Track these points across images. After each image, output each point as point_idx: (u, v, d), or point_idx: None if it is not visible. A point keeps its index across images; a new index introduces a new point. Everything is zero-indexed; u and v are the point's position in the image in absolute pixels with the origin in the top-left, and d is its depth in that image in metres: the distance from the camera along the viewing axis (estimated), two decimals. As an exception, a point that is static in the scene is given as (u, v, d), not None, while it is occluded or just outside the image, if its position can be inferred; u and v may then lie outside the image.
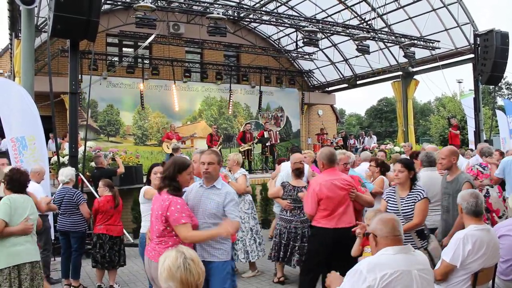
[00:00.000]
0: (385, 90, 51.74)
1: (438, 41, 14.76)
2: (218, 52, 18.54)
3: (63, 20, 7.10)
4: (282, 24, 14.24)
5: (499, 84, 29.42)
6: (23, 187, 4.24)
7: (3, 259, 3.89)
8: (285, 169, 6.62)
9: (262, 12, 13.76)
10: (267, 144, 14.72)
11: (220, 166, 3.73)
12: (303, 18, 14.29)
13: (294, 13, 16.21)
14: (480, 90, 14.63)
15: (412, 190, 4.30)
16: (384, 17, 15.25)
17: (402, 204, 4.26)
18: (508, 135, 13.62)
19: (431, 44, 14.73)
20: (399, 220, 2.85)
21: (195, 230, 3.51)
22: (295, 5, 16.64)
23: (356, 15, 15.74)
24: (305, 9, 16.45)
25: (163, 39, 16.47)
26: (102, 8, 11.11)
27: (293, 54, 19.28)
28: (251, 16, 13.75)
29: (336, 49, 18.17)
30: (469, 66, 14.80)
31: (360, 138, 19.26)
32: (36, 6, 8.79)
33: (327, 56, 18.83)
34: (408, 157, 7.43)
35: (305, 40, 13.10)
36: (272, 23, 14.02)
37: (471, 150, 11.34)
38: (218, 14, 12.03)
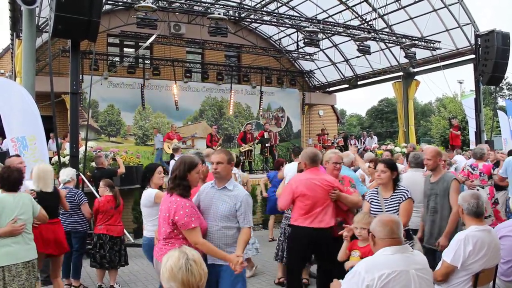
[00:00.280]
0: (386, 90, 51.83)
1: (439, 42, 14.75)
2: (219, 53, 18.54)
3: (64, 20, 7.10)
4: (283, 25, 14.24)
5: (500, 85, 29.42)
6: (14, 186, 4.09)
7: None
8: (291, 170, 6.57)
9: (263, 13, 13.75)
10: (266, 145, 14.72)
11: (231, 166, 3.66)
12: (304, 19, 14.30)
13: (295, 14, 16.22)
14: (481, 91, 14.62)
15: (395, 191, 4.26)
16: (385, 17, 15.25)
17: (386, 205, 4.20)
18: (510, 136, 13.59)
19: (432, 44, 14.72)
20: (399, 222, 2.85)
21: (204, 232, 3.51)
22: (296, 6, 16.65)
23: (357, 15, 15.74)
24: (306, 10, 16.46)
25: (164, 39, 16.48)
26: (103, 8, 11.13)
27: (294, 55, 19.28)
28: (252, 16, 13.75)
29: (337, 49, 18.17)
30: (470, 66, 14.79)
31: (362, 138, 19.26)
32: (37, 6, 8.80)
33: (328, 57, 18.84)
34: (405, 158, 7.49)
35: (306, 40, 13.10)
36: (273, 23, 14.03)
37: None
38: (219, 14, 12.03)
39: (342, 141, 17.12)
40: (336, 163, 4.95)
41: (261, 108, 18.69)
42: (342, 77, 19.49)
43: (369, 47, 14.04)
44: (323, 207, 4.53)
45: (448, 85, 41.06)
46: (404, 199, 4.16)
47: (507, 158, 6.78)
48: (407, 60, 15.72)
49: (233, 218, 3.54)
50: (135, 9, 10.94)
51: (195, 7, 13.16)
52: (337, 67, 19.21)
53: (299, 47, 16.77)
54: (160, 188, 4.76)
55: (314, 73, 20.66)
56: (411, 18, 15.08)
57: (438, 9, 14.10)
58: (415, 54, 14.60)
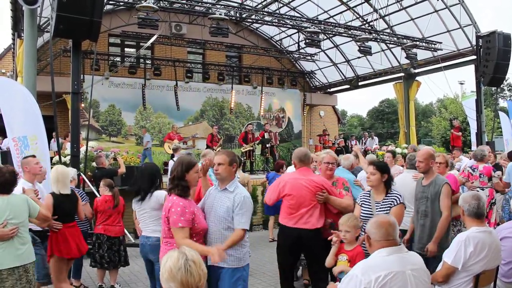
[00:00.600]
0: (387, 91, 51.69)
1: (440, 43, 14.76)
2: (220, 53, 18.55)
3: (66, 20, 7.11)
4: (284, 25, 14.25)
5: (501, 86, 29.39)
6: (5, 188, 3.90)
7: None
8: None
9: (264, 13, 13.76)
10: (267, 145, 14.72)
11: (233, 167, 3.62)
12: (305, 19, 14.30)
13: (296, 14, 16.23)
14: (482, 92, 14.61)
15: (388, 195, 4.12)
16: (386, 18, 15.25)
17: (377, 209, 4.08)
18: (511, 137, 13.60)
19: (433, 45, 14.72)
20: (395, 223, 2.84)
21: (202, 234, 3.52)
22: (297, 6, 16.65)
23: (358, 16, 15.74)
24: (307, 10, 16.47)
25: (165, 40, 16.50)
26: (105, 8, 11.13)
27: (295, 55, 19.29)
28: (253, 17, 13.77)
29: (338, 50, 18.18)
30: (471, 67, 14.80)
31: (363, 139, 19.27)
32: (39, 6, 8.80)
33: (329, 57, 18.84)
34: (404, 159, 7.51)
35: (307, 41, 13.10)
36: (274, 24, 14.04)
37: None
38: (220, 14, 12.04)
39: (343, 142, 17.12)
40: (328, 163, 4.86)
41: (262, 109, 18.69)
42: (343, 77, 19.49)
43: (370, 48, 14.05)
44: (308, 208, 4.46)
45: (449, 86, 41.08)
46: (396, 203, 4.03)
47: (510, 163, 6.77)
48: (408, 61, 15.72)
49: (231, 219, 3.51)
50: (137, 9, 10.95)
51: (196, 8, 13.17)
52: (338, 68, 19.21)
53: (300, 47, 16.77)
54: None
55: (315, 73, 20.66)
56: (412, 19, 15.08)
57: (439, 10, 14.09)
58: (416, 55, 14.60)
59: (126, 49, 17.77)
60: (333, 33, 14.53)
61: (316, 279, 4.56)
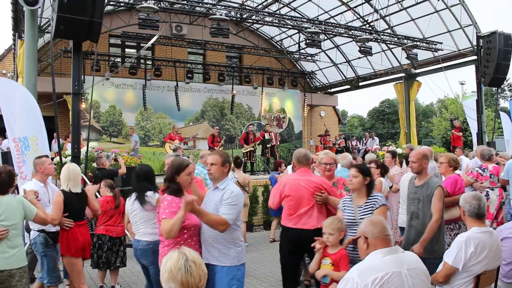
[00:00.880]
0: (388, 91, 51.64)
1: (441, 43, 14.76)
2: (220, 53, 18.56)
3: (66, 21, 7.12)
4: (285, 26, 14.25)
5: (502, 86, 29.35)
6: (0, 188, 3.81)
7: None
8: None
9: (265, 14, 13.76)
10: (268, 146, 14.72)
11: (225, 168, 3.64)
12: (305, 20, 14.31)
13: (297, 15, 16.24)
14: (482, 92, 14.61)
15: (369, 198, 4.02)
16: (387, 18, 15.26)
17: (360, 212, 3.98)
18: (512, 137, 13.58)
19: (433, 45, 14.72)
20: (386, 222, 2.87)
21: (193, 230, 3.56)
22: (297, 7, 16.65)
23: (358, 16, 15.75)
24: (307, 11, 16.47)
25: (166, 40, 16.52)
26: (105, 9, 11.14)
27: (295, 55, 19.29)
28: (253, 17, 13.77)
29: (339, 50, 18.18)
30: (472, 68, 14.80)
31: (363, 139, 19.27)
32: (39, 7, 8.81)
33: (329, 58, 18.84)
34: (404, 159, 7.47)
35: (307, 41, 13.11)
36: (274, 24, 14.03)
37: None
38: (220, 15, 12.05)
39: (343, 142, 17.13)
40: (326, 164, 4.85)
41: (262, 109, 18.69)
42: (344, 78, 19.49)
43: (371, 48, 14.05)
44: (307, 209, 4.47)
45: (450, 86, 41.04)
46: (377, 206, 3.93)
47: (508, 161, 6.77)
48: (408, 61, 15.73)
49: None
50: (137, 10, 10.96)
51: (197, 8, 13.18)
52: (339, 68, 19.21)
53: (300, 48, 16.79)
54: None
55: (316, 74, 20.67)
56: (412, 19, 15.08)
57: (440, 10, 14.09)
58: (416, 55, 14.61)
59: (127, 50, 17.78)
60: (334, 33, 14.53)
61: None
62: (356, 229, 3.78)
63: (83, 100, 13.65)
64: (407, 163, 6.90)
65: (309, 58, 18.68)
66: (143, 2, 11.09)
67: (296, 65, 20.78)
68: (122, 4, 12.46)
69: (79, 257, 4.81)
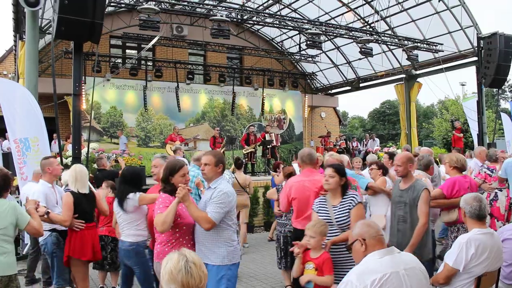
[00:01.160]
0: (388, 92, 51.73)
1: (442, 44, 14.76)
2: (221, 54, 18.57)
3: (67, 22, 7.13)
4: (285, 27, 14.26)
5: (503, 87, 29.36)
6: None
7: None
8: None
9: (266, 15, 13.77)
10: (268, 147, 14.72)
11: (218, 168, 3.65)
12: (306, 21, 14.32)
13: (297, 16, 16.25)
14: (483, 93, 14.61)
15: (344, 197, 3.91)
16: (388, 19, 15.26)
17: (335, 213, 3.87)
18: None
19: (434, 47, 14.73)
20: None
21: (186, 229, 3.60)
22: (298, 8, 16.66)
23: (359, 17, 15.76)
24: (308, 12, 16.48)
25: (167, 41, 16.53)
26: (106, 10, 11.16)
27: (296, 57, 19.30)
28: (254, 18, 13.78)
29: (339, 51, 18.19)
30: (473, 69, 14.79)
31: (364, 140, 19.27)
32: (40, 8, 8.83)
33: (330, 59, 18.85)
34: None
35: (308, 42, 13.12)
36: (275, 25, 14.05)
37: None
38: (221, 16, 12.06)
39: (344, 143, 17.12)
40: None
41: (263, 110, 18.69)
42: (344, 79, 19.50)
43: (372, 49, 14.06)
44: None
45: (451, 88, 41.08)
46: (354, 204, 3.83)
47: (506, 160, 6.76)
48: (409, 63, 15.73)
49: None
50: (138, 11, 10.98)
51: (198, 9, 13.19)
52: (339, 69, 19.22)
53: (301, 49, 16.79)
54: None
55: (316, 75, 20.67)
56: (413, 21, 15.08)
57: (441, 11, 14.10)
58: (417, 56, 14.61)
59: (128, 51, 17.81)
60: (334, 34, 14.55)
61: None
62: (333, 230, 3.78)
63: (83, 101, 13.65)
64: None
65: (310, 59, 18.69)
66: (144, 3, 11.11)
67: (296, 66, 20.79)
68: (123, 5, 12.49)
69: (87, 259, 4.79)
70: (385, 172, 6.34)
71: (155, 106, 16.45)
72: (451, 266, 3.33)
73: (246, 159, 14.10)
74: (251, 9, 14.23)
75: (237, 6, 14.11)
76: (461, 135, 15.05)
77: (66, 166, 7.99)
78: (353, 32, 14.12)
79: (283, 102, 19.50)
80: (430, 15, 14.39)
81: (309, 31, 13.18)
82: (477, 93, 14.86)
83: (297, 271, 3.68)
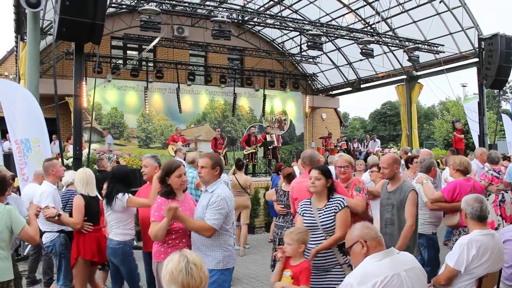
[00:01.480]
0: (389, 93, 51.69)
1: (442, 45, 14.76)
2: (222, 55, 18.58)
3: (68, 23, 7.14)
4: (286, 28, 14.27)
5: (504, 88, 29.33)
6: None
7: None
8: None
9: (266, 16, 13.78)
10: (269, 147, 14.71)
11: (215, 171, 3.61)
12: (307, 22, 14.33)
13: (298, 17, 16.24)
14: (484, 94, 14.59)
15: (330, 200, 3.75)
16: (388, 21, 15.26)
17: (320, 216, 3.71)
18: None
19: (435, 48, 14.72)
20: None
21: (182, 232, 3.59)
22: (299, 9, 16.67)
23: (360, 18, 15.76)
24: (309, 13, 16.48)
25: (168, 42, 16.54)
26: (107, 11, 11.18)
27: (297, 58, 19.31)
28: (255, 19, 13.79)
29: (340, 52, 18.18)
30: (474, 70, 14.78)
31: (365, 141, 19.25)
32: (42, 9, 8.83)
33: (331, 60, 18.85)
34: (404, 161, 7.41)
35: (309, 43, 13.13)
36: (276, 26, 14.06)
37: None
38: (222, 17, 12.07)
39: (345, 144, 17.10)
40: (341, 167, 4.68)
41: (264, 111, 18.70)
42: (345, 80, 19.50)
43: (372, 50, 14.06)
44: None
45: (452, 89, 41.02)
46: (340, 208, 3.67)
47: (510, 164, 6.73)
48: (410, 64, 15.72)
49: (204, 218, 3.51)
50: (139, 12, 10.99)
51: (199, 10, 13.20)
52: (340, 70, 19.22)
53: (302, 50, 16.80)
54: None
55: (317, 76, 20.67)
56: (414, 22, 15.08)
57: (442, 12, 14.10)
58: (418, 57, 14.61)
59: (129, 52, 17.83)
60: (335, 35, 14.55)
61: None
62: (317, 234, 3.64)
63: (84, 102, 13.65)
64: (407, 166, 6.91)
65: (311, 60, 18.70)
66: (145, 4, 11.12)
67: (297, 67, 20.79)
68: (124, 6, 12.50)
69: (92, 262, 4.79)
70: None
71: (156, 107, 16.46)
72: (452, 267, 3.33)
73: (247, 160, 14.10)
74: (252, 10, 14.25)
75: (238, 7, 14.12)
76: (462, 136, 15.03)
77: (67, 167, 8.00)
78: (354, 33, 14.12)
79: (284, 103, 19.50)
80: (431, 16, 14.39)
81: (310, 32, 13.18)
82: (478, 94, 14.85)
83: (275, 277, 3.54)
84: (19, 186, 7.15)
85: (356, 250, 2.70)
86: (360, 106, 78.33)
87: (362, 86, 19.22)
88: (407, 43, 14.45)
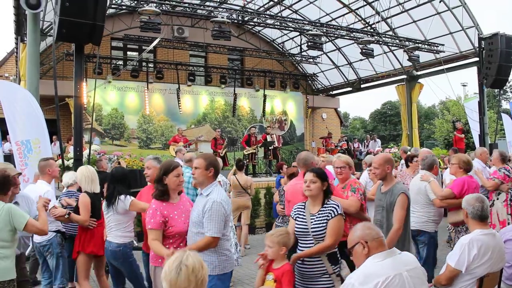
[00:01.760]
0: (390, 93, 51.66)
1: (443, 45, 14.75)
2: (222, 56, 18.58)
3: (68, 24, 7.14)
4: (286, 28, 14.26)
5: (504, 87, 29.32)
6: None
7: None
8: None
9: (266, 16, 13.78)
10: (270, 148, 14.71)
11: (209, 172, 3.51)
12: (307, 22, 14.32)
13: (298, 17, 16.24)
14: (485, 94, 14.58)
15: (324, 205, 3.56)
16: (388, 20, 15.25)
17: (312, 222, 3.53)
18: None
19: (435, 47, 14.71)
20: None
21: (178, 237, 3.55)
22: (299, 9, 16.67)
23: (360, 18, 15.75)
24: (309, 13, 16.48)
25: (168, 43, 16.54)
26: (107, 12, 11.18)
27: (297, 58, 19.31)
28: (255, 19, 13.78)
29: (340, 52, 18.18)
30: (474, 69, 14.77)
31: (365, 141, 19.24)
32: (42, 10, 8.84)
33: (331, 60, 18.84)
34: (404, 160, 7.39)
35: (309, 43, 13.12)
36: (276, 26, 14.05)
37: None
38: (222, 18, 12.06)
39: (345, 144, 17.10)
40: (337, 168, 4.68)
41: (264, 111, 18.69)
42: (346, 80, 19.49)
43: (373, 50, 14.05)
44: None
45: (452, 88, 41.01)
46: (333, 215, 3.48)
47: None
48: (410, 63, 15.71)
49: (202, 224, 3.41)
50: (139, 13, 10.99)
51: (198, 11, 13.20)
52: (340, 70, 19.21)
53: (302, 50, 16.79)
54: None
55: (317, 76, 20.67)
56: (414, 21, 15.07)
57: (442, 12, 14.09)
58: (418, 57, 14.60)
59: (129, 53, 17.83)
60: (335, 35, 14.54)
61: None
62: (308, 240, 3.52)
63: (85, 103, 13.66)
64: (407, 165, 6.91)
65: (311, 60, 18.69)
66: (145, 5, 11.12)
67: (297, 68, 20.79)
68: (124, 7, 12.49)
69: (95, 255, 4.89)
70: None
71: (156, 108, 16.46)
72: (453, 267, 3.33)
73: (247, 160, 14.09)
74: (252, 11, 14.25)
75: (238, 8, 14.12)
76: (463, 136, 15.02)
77: (68, 168, 8.00)
78: (354, 33, 14.12)
79: (284, 103, 19.51)
80: (431, 16, 14.38)
81: (310, 32, 13.17)
82: (478, 93, 14.84)
83: (257, 281, 3.48)
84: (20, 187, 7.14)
85: (358, 251, 2.70)
86: (360, 106, 78.26)
87: (362, 86, 19.22)
88: (407, 42, 14.45)
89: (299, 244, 3.58)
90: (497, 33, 13.25)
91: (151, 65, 17.12)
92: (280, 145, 16.12)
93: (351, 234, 2.81)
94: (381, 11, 14.88)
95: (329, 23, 15.36)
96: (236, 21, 13.57)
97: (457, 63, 15.38)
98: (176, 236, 3.54)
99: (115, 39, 16.50)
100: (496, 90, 25.11)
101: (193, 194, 5.56)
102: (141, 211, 4.47)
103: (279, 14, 15.02)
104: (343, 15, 15.97)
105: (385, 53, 16.50)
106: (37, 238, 5.02)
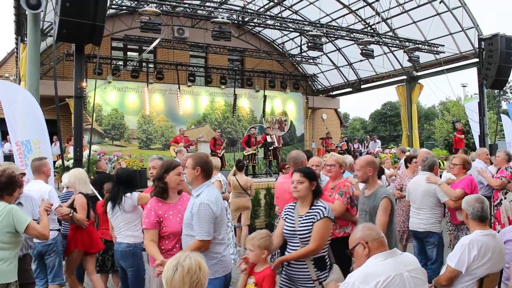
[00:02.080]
0: (390, 94, 51.68)
1: (443, 45, 14.75)
2: (222, 56, 18.59)
3: (69, 25, 7.14)
4: (287, 29, 14.27)
5: (504, 88, 29.31)
6: None
7: None
8: None
9: (267, 17, 13.79)
10: (270, 148, 14.71)
11: (196, 171, 3.41)
12: (307, 23, 14.32)
13: (299, 18, 16.25)
14: (485, 94, 14.59)
15: (312, 207, 3.42)
16: (389, 21, 15.26)
17: (299, 224, 3.41)
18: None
19: (435, 48, 14.71)
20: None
21: (173, 237, 3.52)
22: (299, 10, 16.68)
23: (360, 19, 15.76)
24: (309, 14, 16.49)
25: (168, 43, 16.54)
26: (107, 12, 11.18)
27: (297, 58, 19.31)
28: (255, 20, 13.79)
29: (340, 53, 18.18)
30: (474, 70, 14.77)
31: (365, 142, 19.23)
32: (42, 11, 8.84)
33: (331, 60, 18.85)
34: (403, 161, 7.40)
35: (309, 44, 13.12)
36: (276, 27, 14.06)
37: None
38: (222, 18, 12.07)
39: (345, 145, 17.10)
40: (327, 165, 4.63)
41: (264, 112, 18.69)
42: (346, 80, 19.49)
43: (373, 51, 14.05)
44: None
45: (452, 89, 41.01)
46: (318, 217, 3.34)
47: None
48: (410, 64, 15.72)
49: (192, 226, 3.34)
50: (139, 13, 10.99)
51: (199, 11, 13.20)
52: (341, 71, 19.21)
53: (302, 51, 16.80)
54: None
55: (318, 77, 20.67)
56: (414, 22, 15.08)
57: (442, 13, 14.10)
58: (418, 57, 14.60)
59: (129, 53, 17.84)
60: (335, 36, 14.54)
61: None
62: (294, 242, 3.44)
63: (85, 103, 13.66)
64: (406, 166, 6.92)
65: (311, 61, 18.70)
66: (145, 6, 11.12)
67: (298, 68, 20.80)
68: (124, 7, 12.50)
69: (85, 252, 5.14)
70: (380, 173, 6.31)
71: (156, 108, 16.46)
72: (453, 268, 3.33)
73: (247, 161, 14.10)
74: (252, 11, 14.26)
75: (238, 8, 14.13)
76: (463, 136, 15.02)
77: (68, 169, 8.00)
78: (354, 34, 14.12)
79: (284, 103, 19.51)
80: (431, 17, 14.39)
81: (310, 33, 13.18)
82: (478, 94, 14.85)
83: (240, 286, 3.40)
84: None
85: (358, 251, 2.71)
86: (360, 106, 78.35)
87: (362, 86, 19.22)
88: (407, 43, 14.45)
89: (288, 246, 3.51)
90: (497, 34, 13.25)
91: (151, 65, 17.13)
92: (280, 146, 16.13)
93: (352, 235, 2.81)
94: (381, 12, 14.88)
95: (329, 23, 15.37)
96: (236, 21, 13.57)
97: (457, 64, 15.38)
98: (171, 236, 3.50)
99: (115, 39, 16.51)
100: (496, 91, 25.12)
101: None
102: None
103: (279, 15, 15.03)
104: (343, 15, 15.99)
105: (385, 53, 16.51)
106: None
